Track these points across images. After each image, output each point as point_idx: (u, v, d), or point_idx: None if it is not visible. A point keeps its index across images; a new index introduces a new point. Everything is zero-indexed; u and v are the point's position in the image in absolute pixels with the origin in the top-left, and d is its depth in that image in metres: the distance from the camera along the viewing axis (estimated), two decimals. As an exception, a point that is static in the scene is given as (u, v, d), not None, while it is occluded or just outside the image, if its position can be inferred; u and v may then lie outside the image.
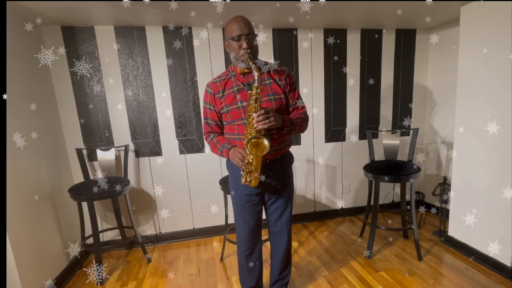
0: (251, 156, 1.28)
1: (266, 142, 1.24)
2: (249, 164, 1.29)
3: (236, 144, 1.39)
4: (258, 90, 1.24)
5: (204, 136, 1.55)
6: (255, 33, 1.32)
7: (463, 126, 2.04)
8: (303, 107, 1.47)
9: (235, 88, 1.36)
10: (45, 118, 1.97)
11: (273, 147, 1.35)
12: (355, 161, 2.80)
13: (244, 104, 1.33)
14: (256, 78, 1.23)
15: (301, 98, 1.48)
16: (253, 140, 1.25)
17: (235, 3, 1.78)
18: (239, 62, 1.31)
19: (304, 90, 2.56)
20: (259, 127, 1.22)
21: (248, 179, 1.33)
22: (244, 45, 1.25)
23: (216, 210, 2.56)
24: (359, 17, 2.23)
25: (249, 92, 1.27)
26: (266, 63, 1.39)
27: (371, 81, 2.68)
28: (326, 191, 2.82)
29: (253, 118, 1.23)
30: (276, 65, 1.39)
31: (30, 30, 1.88)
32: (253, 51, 1.28)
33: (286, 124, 1.34)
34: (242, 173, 1.34)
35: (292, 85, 1.42)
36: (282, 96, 1.38)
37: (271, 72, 1.39)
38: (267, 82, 1.37)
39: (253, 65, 1.23)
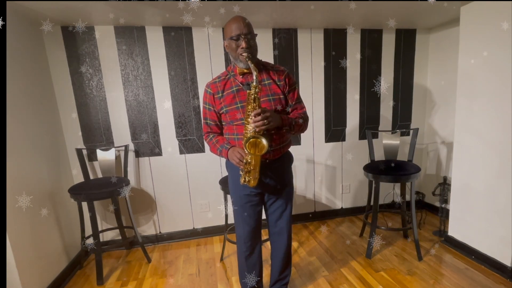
0: (250, 156, 1.27)
1: (264, 141, 1.23)
2: (247, 164, 1.29)
3: (236, 144, 1.38)
4: (257, 90, 1.23)
5: (203, 136, 1.55)
6: (255, 33, 1.32)
7: (463, 126, 2.04)
8: (303, 107, 1.47)
9: (234, 88, 1.36)
10: (45, 118, 1.98)
11: (272, 147, 1.34)
12: (355, 161, 2.80)
13: (244, 104, 1.33)
14: (254, 77, 1.22)
15: (300, 99, 1.48)
16: (251, 139, 1.24)
17: (235, 3, 1.78)
18: (238, 62, 1.31)
19: (304, 90, 2.55)
20: (257, 128, 1.22)
21: (246, 179, 1.33)
22: (243, 44, 1.25)
23: (216, 210, 2.56)
24: (359, 17, 2.22)
25: (248, 92, 1.26)
26: (265, 64, 1.38)
27: (371, 81, 2.68)
28: (326, 191, 2.81)
29: (251, 118, 1.23)
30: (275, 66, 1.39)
31: (30, 30, 1.88)
32: (252, 51, 1.28)
33: (285, 123, 1.33)
34: (241, 173, 1.34)
35: (292, 86, 1.41)
36: (281, 96, 1.37)
37: (270, 72, 1.39)
38: (266, 82, 1.36)
39: (252, 65, 1.22)
